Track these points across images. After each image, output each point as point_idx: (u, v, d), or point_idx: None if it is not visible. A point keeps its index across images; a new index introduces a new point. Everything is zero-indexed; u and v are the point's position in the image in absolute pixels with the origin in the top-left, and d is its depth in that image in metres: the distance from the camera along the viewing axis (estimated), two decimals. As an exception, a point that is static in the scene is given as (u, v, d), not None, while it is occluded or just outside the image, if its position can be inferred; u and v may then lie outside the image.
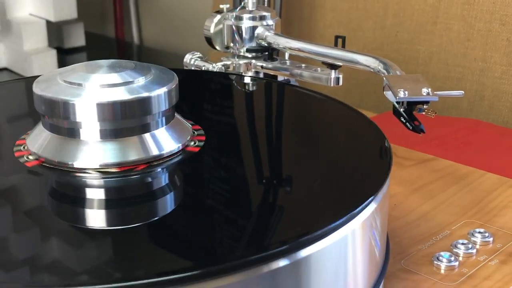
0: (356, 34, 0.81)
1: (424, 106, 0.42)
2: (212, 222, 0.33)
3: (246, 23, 0.60)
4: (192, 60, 0.61)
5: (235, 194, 0.36)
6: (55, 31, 1.09)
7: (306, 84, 0.59)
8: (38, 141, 0.38)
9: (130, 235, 0.31)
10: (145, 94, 0.36)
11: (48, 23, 1.01)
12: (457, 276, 0.40)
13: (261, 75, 0.61)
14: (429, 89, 0.42)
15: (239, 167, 0.40)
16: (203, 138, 0.41)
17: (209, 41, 0.63)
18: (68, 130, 0.36)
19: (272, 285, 0.29)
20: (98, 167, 0.36)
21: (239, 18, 0.60)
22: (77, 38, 1.12)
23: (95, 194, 0.36)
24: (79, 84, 0.36)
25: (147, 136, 0.37)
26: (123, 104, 0.36)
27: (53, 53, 1.00)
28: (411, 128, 0.42)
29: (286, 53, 0.60)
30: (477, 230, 0.44)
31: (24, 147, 0.39)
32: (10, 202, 0.35)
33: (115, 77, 0.37)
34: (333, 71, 0.55)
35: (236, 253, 0.30)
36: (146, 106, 0.36)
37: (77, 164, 0.36)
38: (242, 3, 0.61)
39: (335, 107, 0.48)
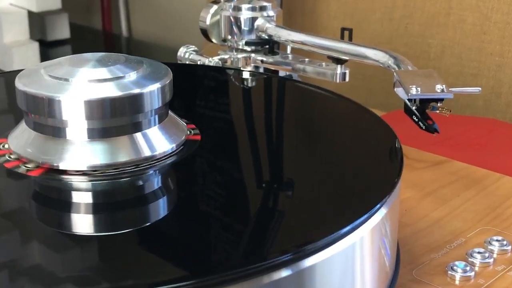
0: (362, 27, 0.81)
1: (438, 104, 0.42)
2: (208, 229, 0.33)
3: (245, 14, 0.60)
4: (186, 54, 0.61)
5: (233, 199, 0.36)
6: (38, 22, 1.09)
7: (309, 79, 0.59)
8: (21, 141, 0.37)
9: (118, 243, 0.31)
10: (136, 90, 0.36)
11: (30, 13, 1.01)
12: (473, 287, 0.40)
13: (261, 70, 0.61)
14: (444, 86, 0.42)
15: (237, 170, 0.40)
16: (199, 138, 0.41)
17: (205, 33, 0.63)
18: (53, 129, 0.36)
19: (273, 297, 0.29)
20: (85, 169, 0.36)
21: (237, 9, 0.60)
22: (61, 30, 1.12)
23: (81, 198, 0.36)
24: (65, 79, 0.36)
25: (138, 135, 0.37)
26: (113, 101, 0.36)
27: (35, 46, 1.00)
28: (424, 128, 0.42)
29: (288, 46, 0.60)
30: (495, 237, 0.44)
31: (3, 146, 0.39)
32: (-10, 207, 0.35)
33: (104, 72, 0.37)
34: (339, 66, 0.55)
35: (234, 263, 0.30)
36: (138, 103, 0.36)
37: (62, 166, 0.36)
38: (241, -8, 0.62)
39: (341, 104, 0.48)
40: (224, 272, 0.29)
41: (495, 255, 0.43)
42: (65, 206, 0.35)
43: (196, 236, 0.32)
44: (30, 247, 0.31)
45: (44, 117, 0.36)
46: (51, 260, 0.30)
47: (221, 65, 0.60)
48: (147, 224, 0.33)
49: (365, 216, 0.33)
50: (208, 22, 0.62)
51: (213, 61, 0.60)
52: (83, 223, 0.34)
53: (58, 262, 0.30)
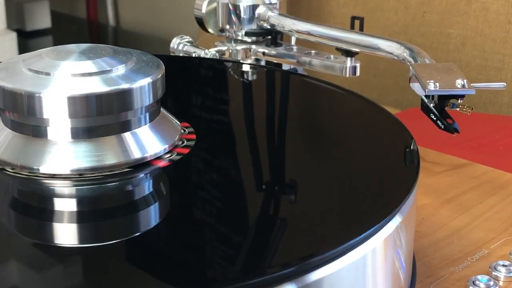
0: (374, 15, 0.81)
1: (459, 101, 0.42)
2: (203, 240, 0.33)
3: (245, 1, 0.60)
4: (180, 45, 0.61)
5: (231, 206, 0.36)
6: (15, 11, 1.09)
7: (316, 73, 0.59)
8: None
9: (106, 254, 0.31)
10: (125, 86, 0.36)
11: (7, 0, 1.01)
12: (497, 304, 0.40)
13: (263, 63, 0.61)
14: (465, 81, 0.42)
15: (236, 174, 0.40)
16: (194, 137, 0.41)
17: (201, 22, 0.63)
18: (33, 128, 0.36)
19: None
20: (69, 172, 0.36)
21: (236, -5, 0.60)
22: (42, 19, 1.12)
23: (65, 205, 0.36)
24: (47, 73, 0.36)
25: (127, 135, 0.37)
26: (99, 98, 0.36)
27: (12, 36, 1.00)
28: (442, 127, 0.42)
29: (293, 37, 0.60)
30: (521, 249, 0.44)
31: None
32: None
33: (89, 65, 0.37)
34: (348, 58, 0.55)
35: (231, 278, 0.30)
36: (127, 100, 0.36)
37: (43, 169, 0.36)
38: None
39: (351, 102, 0.48)
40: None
41: (521, 269, 0.43)
42: (45, 214, 0.35)
43: (189, 247, 0.32)
44: (7, 262, 0.31)
45: (23, 115, 0.36)
46: (30, 277, 0.30)
47: (218, 58, 0.60)
48: (136, 234, 0.33)
49: (378, 225, 0.33)
50: (204, 10, 0.62)
51: (210, 53, 0.60)
52: (65, 233, 0.34)
53: (37, 278, 0.30)
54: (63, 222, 0.34)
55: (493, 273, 0.42)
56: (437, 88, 0.41)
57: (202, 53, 0.60)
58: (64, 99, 0.35)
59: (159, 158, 0.38)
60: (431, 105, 0.42)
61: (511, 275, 0.42)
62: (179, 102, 0.49)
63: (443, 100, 0.42)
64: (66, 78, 0.36)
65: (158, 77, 0.38)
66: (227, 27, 0.61)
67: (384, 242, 0.33)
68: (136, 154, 0.37)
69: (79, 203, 0.36)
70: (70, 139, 0.36)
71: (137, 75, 0.37)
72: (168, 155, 0.38)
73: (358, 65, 0.55)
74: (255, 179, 0.39)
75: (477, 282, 0.41)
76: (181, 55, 0.61)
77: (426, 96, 0.42)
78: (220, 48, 0.61)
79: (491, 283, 0.41)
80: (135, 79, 0.37)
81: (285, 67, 0.61)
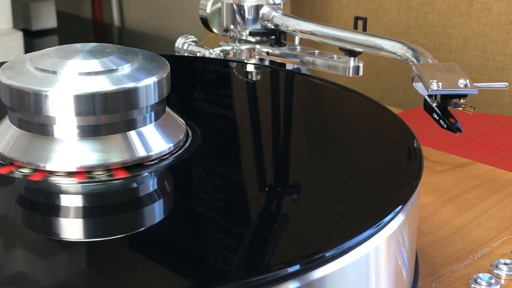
0: (377, 16, 0.81)
1: (461, 101, 0.42)
2: (206, 238, 0.33)
3: (249, 1, 0.60)
4: (185, 44, 0.61)
5: (234, 204, 0.36)
6: (22, 10, 1.10)
7: (319, 73, 0.59)
8: (4, 139, 0.38)
9: (110, 250, 0.31)
10: (131, 85, 0.36)
11: (13, 0, 1.01)
12: (498, 302, 0.40)
13: (267, 63, 0.61)
14: (467, 80, 0.42)
15: (239, 172, 0.40)
16: (198, 137, 0.41)
17: (205, 22, 0.63)
18: (39, 126, 0.36)
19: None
20: (75, 170, 0.36)
21: (240, -5, 0.60)
22: (47, 19, 1.12)
23: (70, 202, 0.36)
24: (53, 72, 0.36)
25: (132, 134, 0.37)
26: (105, 96, 0.36)
27: (18, 35, 1.00)
28: (445, 127, 0.42)
29: (296, 37, 0.60)
30: (522, 247, 0.44)
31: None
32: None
33: (96, 64, 0.37)
34: (352, 58, 0.55)
35: (235, 275, 0.30)
36: (132, 99, 0.36)
37: (50, 167, 0.36)
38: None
39: (354, 101, 0.48)
40: (224, 285, 0.29)
41: (523, 267, 0.43)
42: (53, 210, 0.35)
43: (193, 245, 0.32)
44: (15, 254, 0.31)
45: (30, 113, 0.36)
46: (39, 269, 0.30)
47: (222, 57, 0.60)
48: (139, 230, 0.33)
49: (381, 223, 0.33)
50: (208, 10, 0.62)
51: (214, 52, 0.60)
52: (71, 229, 0.34)
53: (45, 271, 0.30)
54: (68, 218, 0.34)
55: (495, 271, 0.42)
56: (440, 87, 0.41)
57: (206, 52, 0.60)
58: (70, 97, 0.35)
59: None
60: (434, 104, 0.42)
61: (513, 273, 0.42)
62: (184, 102, 0.49)
63: (445, 100, 0.42)
64: (73, 76, 0.36)
65: (164, 76, 0.38)
66: (232, 27, 0.61)
67: (387, 240, 0.33)
68: (141, 152, 0.37)
69: (83, 200, 0.36)
70: (76, 137, 0.36)
71: (142, 74, 0.37)
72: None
73: (361, 65, 0.55)
74: (260, 178, 0.39)
75: (478, 280, 0.41)
76: (185, 54, 0.61)
77: (429, 96, 0.42)
78: (224, 47, 0.61)
79: (493, 281, 0.41)
80: (141, 78, 0.37)
81: (289, 66, 0.61)
